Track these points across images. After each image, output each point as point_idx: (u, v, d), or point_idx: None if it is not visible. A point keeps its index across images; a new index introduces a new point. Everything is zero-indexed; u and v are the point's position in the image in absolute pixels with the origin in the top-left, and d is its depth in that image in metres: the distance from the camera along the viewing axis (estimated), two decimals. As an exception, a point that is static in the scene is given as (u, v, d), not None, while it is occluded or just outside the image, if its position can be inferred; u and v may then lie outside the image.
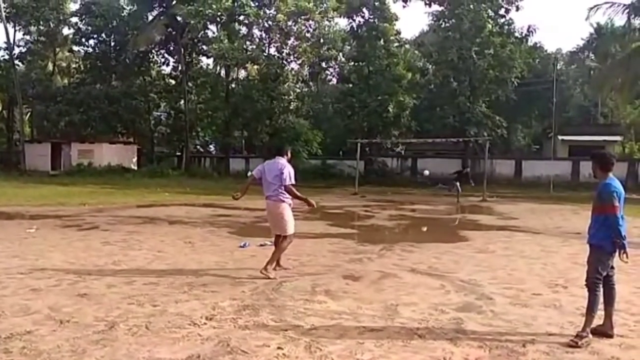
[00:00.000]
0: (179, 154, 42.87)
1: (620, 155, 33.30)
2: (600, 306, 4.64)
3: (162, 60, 41.09)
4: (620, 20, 32.03)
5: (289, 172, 6.73)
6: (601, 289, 4.58)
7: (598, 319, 4.63)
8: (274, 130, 34.41)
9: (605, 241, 4.52)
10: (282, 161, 6.84)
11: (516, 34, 33.89)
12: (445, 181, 23.75)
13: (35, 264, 7.37)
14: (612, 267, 4.68)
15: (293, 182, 6.78)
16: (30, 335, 4.38)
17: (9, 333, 4.41)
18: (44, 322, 4.75)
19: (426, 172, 23.60)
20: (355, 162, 27.51)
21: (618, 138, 35.01)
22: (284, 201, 6.77)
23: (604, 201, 4.54)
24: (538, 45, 41.48)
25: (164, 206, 16.70)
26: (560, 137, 35.04)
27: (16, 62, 38.41)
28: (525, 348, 4.30)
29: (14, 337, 4.33)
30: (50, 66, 43.03)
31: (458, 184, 20.84)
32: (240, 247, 9.11)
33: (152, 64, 41.07)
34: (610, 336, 4.58)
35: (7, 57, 37.86)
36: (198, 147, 45.89)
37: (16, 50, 38.98)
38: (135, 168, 37.06)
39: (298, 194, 6.86)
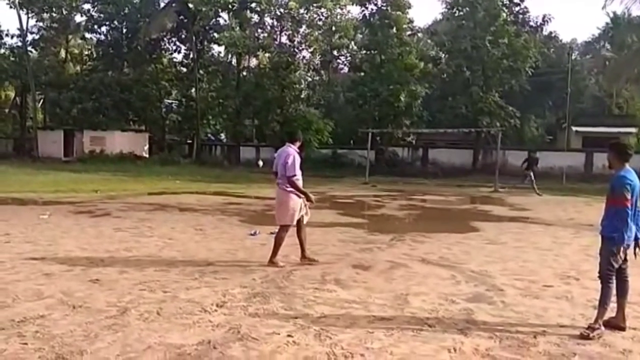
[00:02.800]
0: (189, 142, 43.00)
1: (635, 147, 32.83)
2: (613, 299, 4.59)
3: (174, 47, 41.10)
4: (637, 10, 31.77)
5: (293, 162, 6.54)
6: (614, 281, 4.53)
7: (610, 312, 4.59)
8: (285, 119, 34.36)
9: (616, 233, 4.46)
10: (290, 150, 6.68)
11: (531, 23, 33.42)
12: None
13: (48, 249, 7.45)
14: (625, 260, 4.63)
15: (296, 173, 6.56)
16: (44, 320, 4.43)
17: (23, 317, 4.47)
18: (57, 306, 4.80)
19: None
20: (366, 151, 27.42)
21: (633, 130, 34.52)
22: (286, 190, 6.63)
23: (616, 193, 4.46)
24: (553, 34, 40.84)
25: (175, 194, 16.78)
26: (574, 128, 34.62)
27: (29, 49, 38.68)
28: (536, 339, 4.28)
29: (28, 321, 4.39)
30: (62, 53, 43.23)
31: (532, 174, 19.59)
32: (251, 235, 9.14)
33: (163, 52, 41.11)
34: (623, 329, 4.54)
35: (20, 44, 38.13)
36: (209, 135, 45.99)
37: (29, 37, 39.24)
38: (147, 156, 37.29)
39: (299, 187, 6.64)
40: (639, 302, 5.30)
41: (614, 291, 4.54)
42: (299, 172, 6.63)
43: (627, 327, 4.56)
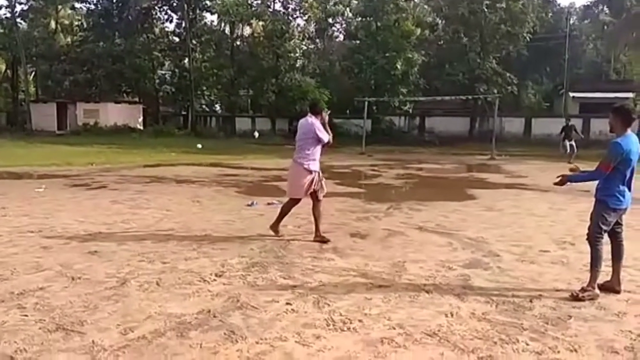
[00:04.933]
0: (184, 113, 42.67)
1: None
2: (608, 262, 4.64)
3: (166, 17, 40.40)
4: (637, -28, 30.91)
5: (318, 130, 6.39)
6: (602, 244, 4.55)
7: (606, 275, 4.64)
8: (280, 89, 34.05)
9: (608, 197, 4.47)
10: (311, 119, 6.49)
11: (529, -13, 32.79)
12: None
13: (44, 222, 7.44)
14: (619, 224, 4.65)
15: (327, 138, 6.44)
16: (43, 292, 4.45)
17: (22, 289, 4.48)
18: (56, 278, 4.82)
19: None
20: (363, 120, 27.27)
21: (630, 95, 34.40)
22: (297, 163, 6.51)
23: (604, 157, 4.46)
24: (551, -2, 40.27)
25: (171, 166, 16.72)
26: (571, 94, 34.45)
27: (18, 20, 37.93)
28: (532, 303, 4.33)
29: (27, 293, 4.41)
30: (52, 24, 42.43)
31: (573, 143, 18.64)
32: (248, 205, 9.14)
33: (155, 21, 40.40)
34: (618, 292, 4.59)
35: (9, 15, 37.35)
36: (204, 106, 45.59)
37: (18, 8, 38.41)
38: (141, 128, 37.02)
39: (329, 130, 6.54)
40: (634, 265, 5.37)
41: (603, 254, 4.56)
42: (325, 136, 6.44)
43: (622, 290, 4.62)
